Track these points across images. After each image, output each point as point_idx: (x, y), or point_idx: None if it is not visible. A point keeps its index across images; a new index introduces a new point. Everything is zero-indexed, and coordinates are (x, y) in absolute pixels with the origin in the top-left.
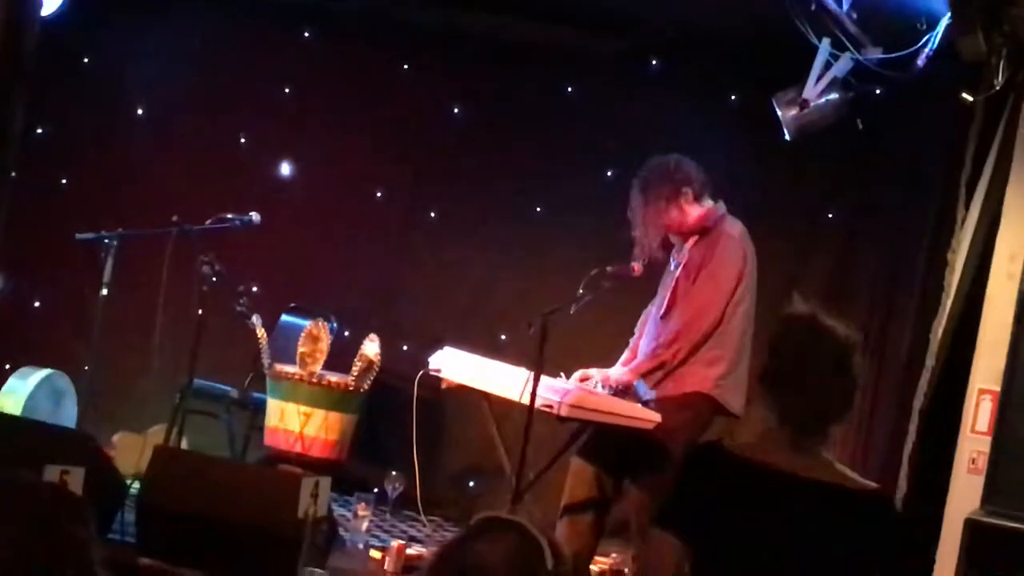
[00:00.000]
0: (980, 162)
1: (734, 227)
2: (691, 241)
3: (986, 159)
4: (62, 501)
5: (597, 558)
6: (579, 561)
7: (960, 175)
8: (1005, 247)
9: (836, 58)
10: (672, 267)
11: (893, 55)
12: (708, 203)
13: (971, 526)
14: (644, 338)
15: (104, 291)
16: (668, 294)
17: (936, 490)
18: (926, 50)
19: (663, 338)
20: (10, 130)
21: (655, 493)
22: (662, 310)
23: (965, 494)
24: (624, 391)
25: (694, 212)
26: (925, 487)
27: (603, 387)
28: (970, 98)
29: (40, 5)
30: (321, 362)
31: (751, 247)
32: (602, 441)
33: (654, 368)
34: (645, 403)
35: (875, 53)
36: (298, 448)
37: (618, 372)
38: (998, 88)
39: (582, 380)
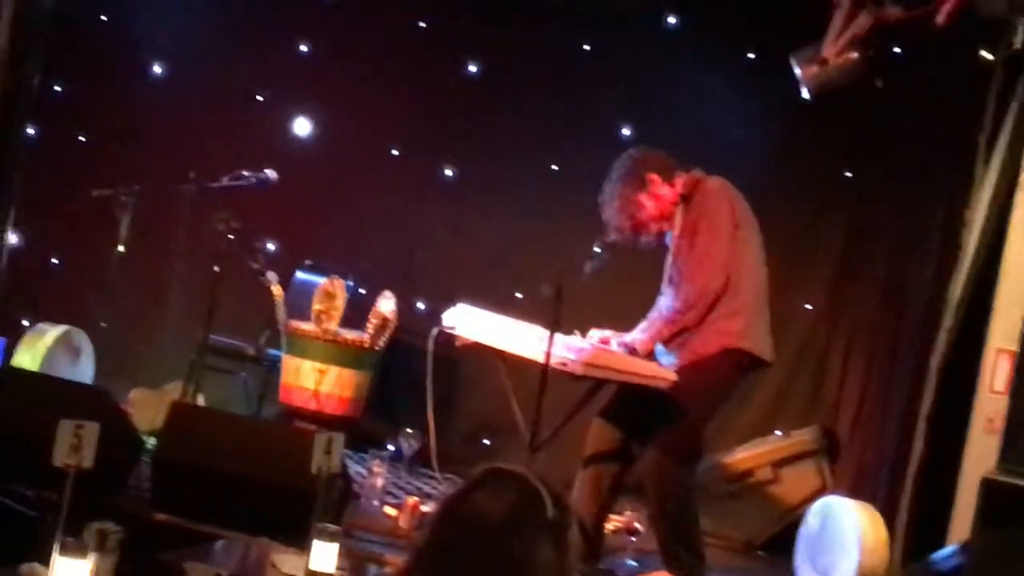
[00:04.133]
0: (999, 121)
1: (713, 182)
2: (678, 212)
3: (1004, 118)
4: None
5: (611, 516)
6: (597, 519)
7: (978, 134)
8: (1023, 205)
9: (856, 15)
10: (668, 241)
11: (913, 13)
12: (680, 177)
13: (987, 485)
14: (658, 310)
15: (121, 248)
16: (670, 262)
17: (952, 449)
18: (946, 7)
19: (679, 303)
20: (27, 88)
21: (673, 456)
22: (668, 279)
23: (981, 453)
24: (640, 354)
25: (667, 192)
26: (941, 446)
27: (620, 347)
28: (990, 57)
29: None
30: (337, 319)
31: (736, 193)
32: (624, 404)
33: (676, 333)
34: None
35: (895, 11)
36: (313, 405)
37: (637, 337)
38: (1018, 47)
39: (601, 342)
